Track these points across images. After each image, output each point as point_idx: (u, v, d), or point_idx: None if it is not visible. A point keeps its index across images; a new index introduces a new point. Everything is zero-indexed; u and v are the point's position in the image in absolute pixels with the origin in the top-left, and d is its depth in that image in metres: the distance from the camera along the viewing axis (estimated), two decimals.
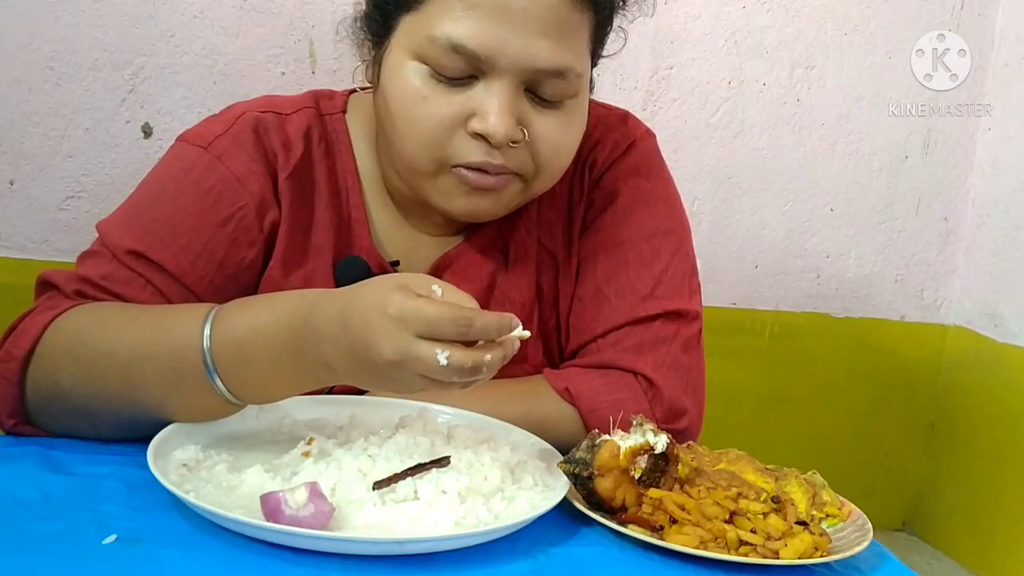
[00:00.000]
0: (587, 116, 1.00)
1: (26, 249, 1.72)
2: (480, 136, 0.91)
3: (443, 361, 0.72)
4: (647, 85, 2.07)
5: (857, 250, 2.31)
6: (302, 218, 1.01)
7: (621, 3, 0.98)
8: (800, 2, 2.14)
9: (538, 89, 0.93)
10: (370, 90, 1.02)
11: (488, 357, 0.74)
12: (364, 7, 0.98)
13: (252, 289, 1.00)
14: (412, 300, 0.74)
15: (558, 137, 0.95)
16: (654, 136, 1.12)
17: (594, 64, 1.00)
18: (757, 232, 2.24)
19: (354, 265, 1.00)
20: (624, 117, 1.11)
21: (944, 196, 2.33)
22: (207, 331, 0.81)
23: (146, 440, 0.80)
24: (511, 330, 0.76)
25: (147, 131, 1.75)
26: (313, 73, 1.81)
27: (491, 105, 0.90)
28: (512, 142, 0.92)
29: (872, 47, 2.20)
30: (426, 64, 0.91)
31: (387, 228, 1.06)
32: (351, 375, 0.79)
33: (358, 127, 1.05)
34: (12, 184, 1.71)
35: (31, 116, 1.70)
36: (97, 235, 0.97)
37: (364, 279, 0.85)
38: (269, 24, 1.79)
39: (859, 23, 2.18)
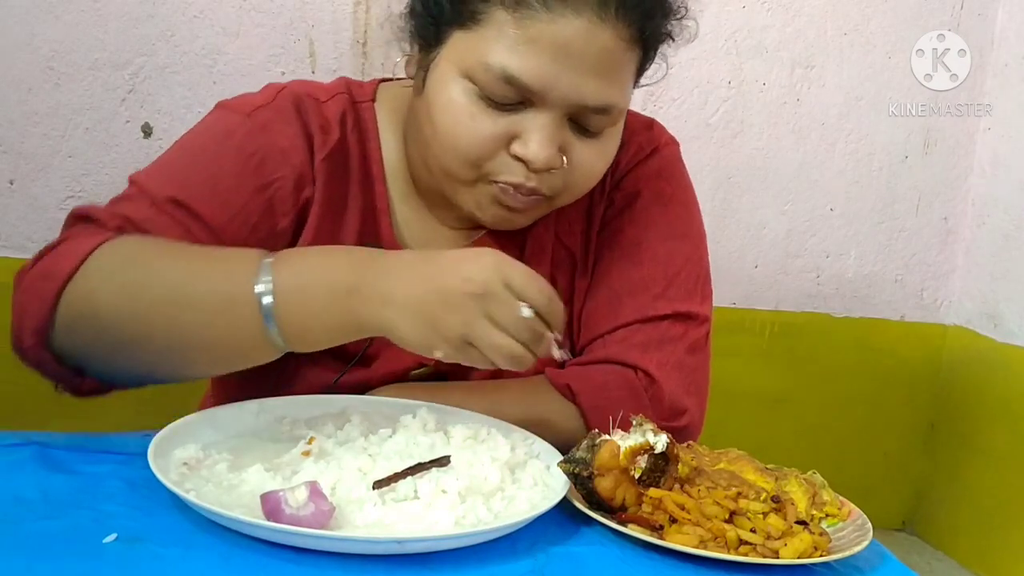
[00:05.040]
0: (620, 138, 1.01)
1: (26, 249, 1.72)
2: (520, 159, 0.93)
3: (526, 312, 0.80)
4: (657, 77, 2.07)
5: (857, 250, 2.31)
6: (334, 202, 1.02)
7: (669, 39, 0.99)
8: (800, 2, 2.14)
9: (581, 120, 0.94)
10: (401, 81, 1.03)
11: (551, 335, 0.81)
12: (416, 7, 0.98)
13: None
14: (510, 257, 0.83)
15: (595, 164, 0.98)
16: (678, 145, 1.13)
17: (636, 85, 1.01)
18: (757, 232, 2.24)
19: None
20: (650, 124, 1.12)
21: (944, 196, 2.33)
22: (264, 286, 0.82)
23: (147, 436, 0.80)
24: (559, 335, 0.82)
25: (147, 131, 1.75)
26: (313, 73, 1.82)
27: (535, 133, 0.92)
28: (552, 169, 0.94)
29: (872, 47, 2.20)
30: (475, 84, 0.92)
31: (407, 218, 1.06)
32: (407, 308, 0.81)
33: (386, 116, 1.06)
34: (12, 184, 1.72)
35: (31, 116, 1.70)
36: (128, 185, 0.96)
37: None
38: (269, 24, 1.79)
39: (859, 23, 2.18)
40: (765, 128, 2.19)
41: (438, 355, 0.83)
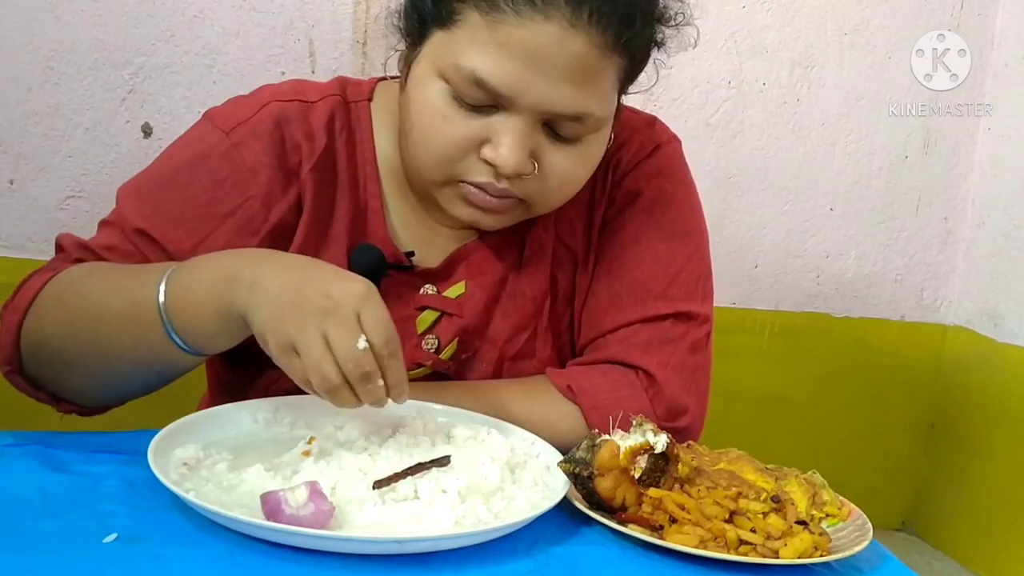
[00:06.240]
0: (605, 145, 1.00)
1: (26, 249, 1.73)
2: (489, 163, 0.92)
3: (361, 344, 0.76)
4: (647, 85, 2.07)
5: (857, 250, 2.31)
6: (323, 208, 1.01)
7: (657, 46, 0.98)
8: (800, 2, 2.14)
9: (555, 127, 0.93)
10: (399, 79, 1.02)
11: (380, 383, 0.79)
12: (406, 4, 0.98)
13: None
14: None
15: (569, 171, 0.97)
16: (679, 142, 1.12)
17: (624, 93, 1.00)
18: (757, 232, 2.24)
19: (368, 252, 1.01)
20: (651, 121, 1.12)
21: (944, 196, 2.33)
22: (163, 286, 0.84)
23: (147, 436, 0.80)
24: (399, 394, 0.80)
25: (147, 131, 1.75)
26: (313, 73, 1.82)
27: (505, 138, 0.91)
28: (522, 175, 0.93)
29: (872, 47, 2.20)
30: (449, 85, 0.91)
31: (403, 218, 1.06)
32: (267, 296, 0.79)
33: (382, 115, 1.05)
34: (12, 184, 1.72)
35: (31, 116, 1.70)
36: (116, 200, 0.99)
37: (378, 267, 0.96)
38: (269, 24, 1.79)
39: (859, 23, 2.18)
40: (765, 128, 2.19)
41: (270, 352, 0.80)
